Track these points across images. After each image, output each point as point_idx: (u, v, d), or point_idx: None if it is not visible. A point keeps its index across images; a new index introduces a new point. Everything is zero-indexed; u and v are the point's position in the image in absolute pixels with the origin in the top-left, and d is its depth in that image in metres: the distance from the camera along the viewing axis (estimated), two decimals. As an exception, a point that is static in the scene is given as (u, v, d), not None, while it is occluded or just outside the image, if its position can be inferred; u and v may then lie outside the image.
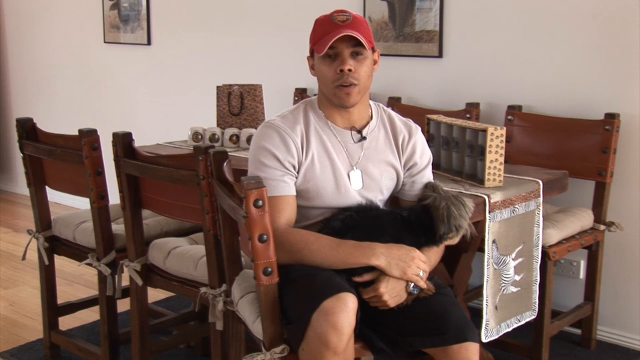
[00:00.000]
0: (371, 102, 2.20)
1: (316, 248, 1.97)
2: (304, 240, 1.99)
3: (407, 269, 1.95)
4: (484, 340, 2.50)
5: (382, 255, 1.94)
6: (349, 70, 2.02)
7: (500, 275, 2.53)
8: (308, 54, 2.14)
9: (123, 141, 2.56)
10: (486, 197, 2.40)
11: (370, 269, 1.96)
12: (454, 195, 2.08)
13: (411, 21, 3.61)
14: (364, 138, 2.14)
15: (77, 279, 3.95)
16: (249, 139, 3.11)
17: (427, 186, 2.18)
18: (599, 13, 3.07)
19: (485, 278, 2.48)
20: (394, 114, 2.24)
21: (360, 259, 1.95)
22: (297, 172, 2.08)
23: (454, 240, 2.09)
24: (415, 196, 2.19)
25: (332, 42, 2.00)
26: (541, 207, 2.62)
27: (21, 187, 5.76)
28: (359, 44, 2.02)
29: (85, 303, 3.25)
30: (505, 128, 2.50)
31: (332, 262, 1.96)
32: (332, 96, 2.07)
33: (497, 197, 2.44)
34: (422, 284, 1.98)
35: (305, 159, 2.08)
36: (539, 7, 3.23)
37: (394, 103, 3.59)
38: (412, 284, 1.98)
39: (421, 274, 1.98)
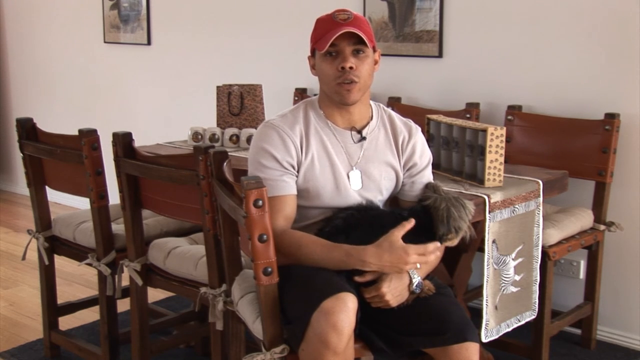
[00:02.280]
0: (372, 103, 2.20)
1: (309, 252, 1.96)
2: (297, 243, 1.98)
3: (402, 271, 1.94)
4: (484, 340, 2.50)
5: (373, 265, 1.91)
6: (351, 67, 2.02)
7: (500, 275, 2.53)
8: (309, 54, 2.14)
9: (123, 141, 2.56)
10: (486, 197, 2.40)
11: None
12: (454, 196, 2.08)
13: (411, 21, 3.61)
14: (363, 138, 2.14)
15: (77, 279, 3.95)
16: (249, 139, 3.11)
17: (428, 187, 2.18)
18: (599, 13, 3.07)
19: (485, 278, 2.48)
20: (394, 114, 2.23)
21: (352, 267, 1.93)
22: (297, 172, 2.08)
23: (453, 242, 2.08)
24: (415, 197, 2.19)
25: (333, 39, 1.99)
26: (541, 207, 2.62)
27: (21, 187, 5.76)
28: (360, 41, 2.02)
29: (85, 303, 3.25)
30: (505, 128, 2.50)
31: (325, 267, 1.95)
32: (333, 94, 2.07)
33: (497, 197, 2.44)
34: (422, 274, 2.00)
35: (305, 159, 2.08)
36: (539, 8, 3.23)
37: (394, 103, 3.59)
38: (415, 283, 1.98)
39: (418, 266, 1.95)
